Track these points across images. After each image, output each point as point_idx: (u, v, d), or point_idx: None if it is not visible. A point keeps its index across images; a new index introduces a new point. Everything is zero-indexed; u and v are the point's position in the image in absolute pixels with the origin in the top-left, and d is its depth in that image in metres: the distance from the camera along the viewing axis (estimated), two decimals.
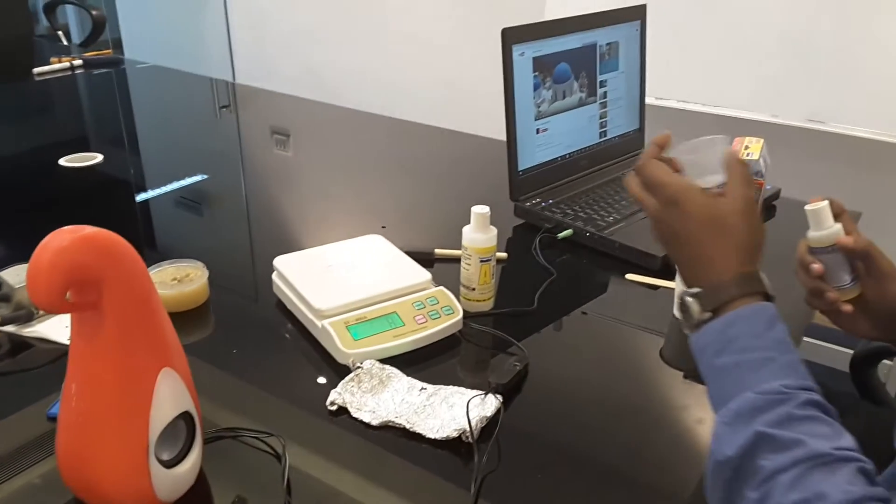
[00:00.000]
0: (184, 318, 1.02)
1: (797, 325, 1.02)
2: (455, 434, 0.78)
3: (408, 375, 0.88)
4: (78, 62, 2.26)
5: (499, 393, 0.84)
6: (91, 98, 2.27)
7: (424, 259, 1.15)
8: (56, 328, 0.97)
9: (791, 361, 0.64)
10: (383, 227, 1.29)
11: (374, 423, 0.82)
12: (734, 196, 0.70)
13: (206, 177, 1.57)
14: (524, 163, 1.31)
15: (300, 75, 3.26)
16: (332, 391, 0.85)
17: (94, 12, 2.52)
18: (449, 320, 0.97)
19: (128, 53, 3.59)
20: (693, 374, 0.93)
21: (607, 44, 1.41)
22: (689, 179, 0.73)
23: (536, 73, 1.28)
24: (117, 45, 3.68)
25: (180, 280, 1.04)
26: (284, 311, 1.03)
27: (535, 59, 1.27)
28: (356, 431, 0.82)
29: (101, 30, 2.60)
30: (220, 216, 1.46)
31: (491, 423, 0.81)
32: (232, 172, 1.66)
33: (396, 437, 0.81)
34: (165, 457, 0.69)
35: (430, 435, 0.79)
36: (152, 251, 1.26)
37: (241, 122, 2.03)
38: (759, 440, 0.59)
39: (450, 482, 0.76)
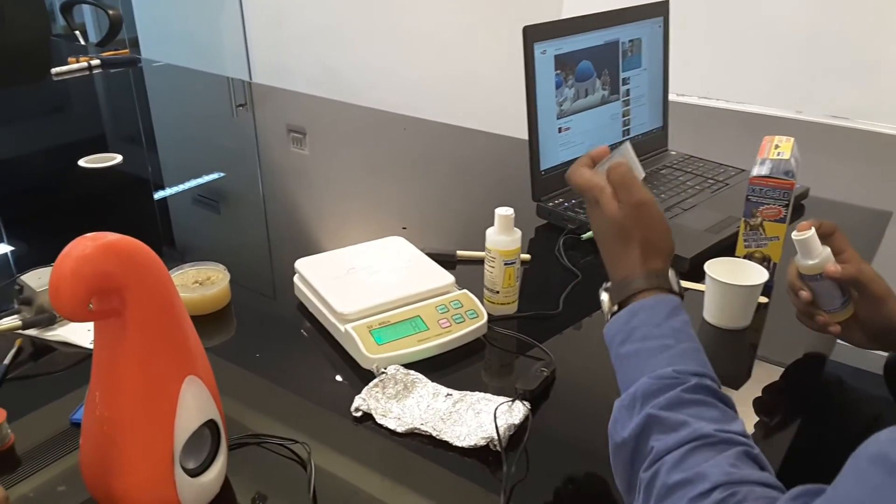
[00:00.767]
0: (206, 322, 1.01)
1: None
2: (483, 442, 0.77)
3: (432, 381, 0.87)
4: (95, 62, 2.26)
5: (526, 399, 0.83)
6: (109, 98, 2.27)
7: (446, 261, 1.14)
8: (78, 332, 0.97)
9: (688, 349, 0.67)
10: (404, 227, 1.28)
11: (400, 430, 0.80)
12: (622, 202, 0.73)
13: (222, 175, 1.56)
14: (546, 162, 1.29)
15: (317, 73, 3.25)
16: (357, 397, 0.84)
17: (110, 12, 2.53)
18: (473, 324, 0.95)
19: (144, 53, 3.60)
20: (721, 378, 0.91)
21: (630, 41, 1.39)
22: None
23: (558, 72, 1.26)
24: (134, 44, 3.69)
25: (202, 283, 1.04)
26: (306, 314, 1.02)
27: (556, 56, 1.25)
28: (381, 438, 0.80)
29: (118, 29, 2.61)
30: (238, 216, 1.45)
31: (519, 431, 0.80)
32: (249, 171, 1.65)
33: (422, 445, 0.79)
34: (190, 465, 0.68)
35: (457, 443, 0.78)
36: (172, 252, 1.25)
37: (257, 120, 2.02)
38: (650, 422, 0.62)
39: (478, 492, 0.74)
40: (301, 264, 1.04)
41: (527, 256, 1.16)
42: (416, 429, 0.80)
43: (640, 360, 0.67)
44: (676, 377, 0.64)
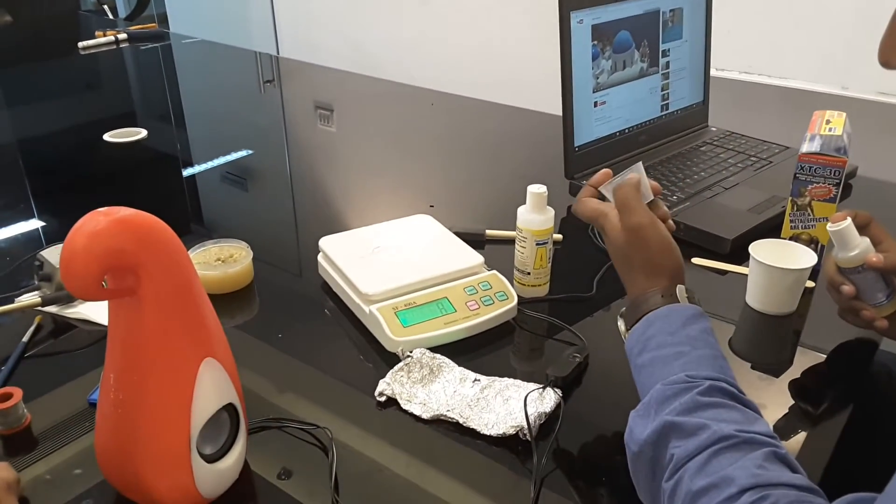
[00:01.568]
0: (227, 300, 0.99)
1: None
2: (512, 431, 0.73)
3: (460, 365, 0.84)
4: (122, 36, 2.24)
5: (558, 387, 0.79)
6: (135, 73, 2.25)
7: (475, 240, 1.10)
8: (99, 309, 0.95)
9: (704, 356, 0.64)
10: (431, 206, 1.24)
11: (425, 416, 0.77)
12: (623, 227, 0.73)
13: (250, 152, 1.54)
14: (581, 138, 1.24)
15: (344, 48, 3.20)
16: (381, 381, 0.81)
17: None
18: (503, 307, 0.91)
19: (173, 27, 3.57)
20: (762, 366, 0.87)
21: (671, 10, 1.32)
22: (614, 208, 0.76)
23: (595, 42, 1.21)
24: (163, 19, 3.67)
25: (224, 261, 1.01)
26: (330, 294, 0.99)
27: (593, 26, 1.20)
28: (406, 424, 0.77)
29: (146, 4, 2.59)
30: (264, 193, 1.42)
31: (550, 420, 0.76)
32: (276, 148, 1.62)
33: (448, 433, 0.76)
34: (208, 451, 0.66)
35: (485, 431, 0.74)
36: (196, 228, 1.23)
37: (284, 96, 1.99)
38: (667, 429, 0.59)
39: (507, 483, 0.71)
40: (325, 242, 1.00)
41: (559, 237, 1.12)
42: (442, 415, 0.77)
43: (655, 369, 0.65)
44: (690, 381, 0.62)
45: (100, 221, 0.57)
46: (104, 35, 2.22)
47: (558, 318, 0.94)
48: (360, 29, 3.14)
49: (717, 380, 0.62)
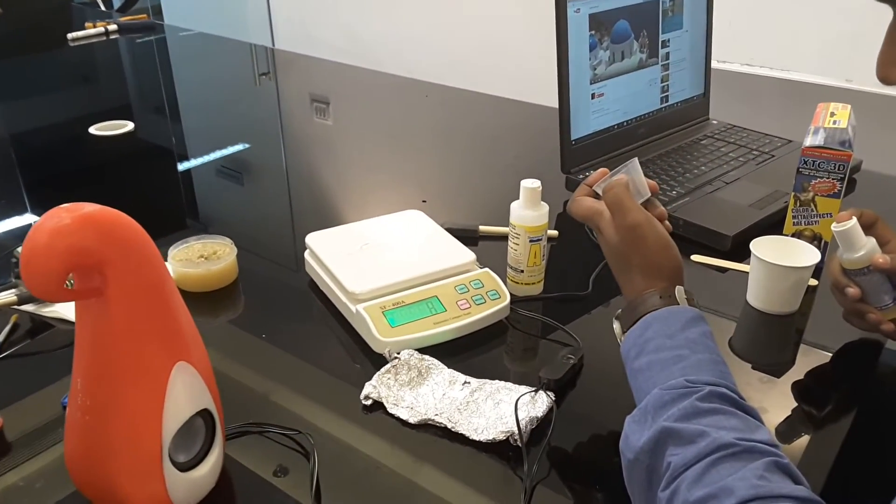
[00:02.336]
0: (211, 299, 0.96)
1: None
2: (502, 437, 0.70)
3: (449, 367, 0.80)
4: (112, 27, 2.20)
5: (551, 390, 0.76)
6: (126, 65, 2.21)
7: (468, 237, 1.07)
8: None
9: (703, 360, 0.62)
10: (424, 201, 1.21)
11: (413, 420, 0.74)
12: (617, 227, 0.70)
13: (247, 146, 1.50)
14: (578, 131, 1.20)
15: (340, 40, 3.16)
16: (367, 384, 0.78)
17: None
18: (495, 306, 0.88)
19: (168, 19, 3.53)
20: (763, 367, 0.84)
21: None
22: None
23: (593, 32, 1.17)
24: (157, 11, 3.62)
25: (207, 258, 0.98)
26: (317, 292, 0.96)
27: (591, 16, 1.16)
28: (392, 429, 0.74)
29: None
30: (256, 188, 1.39)
31: (542, 424, 0.73)
32: (272, 142, 1.58)
33: (436, 438, 0.73)
34: (182, 459, 0.62)
35: (474, 436, 0.71)
36: (184, 224, 1.20)
37: (280, 89, 1.96)
38: (664, 435, 0.56)
39: (496, 491, 0.68)
40: (312, 239, 0.97)
41: (554, 233, 1.09)
42: (429, 420, 0.74)
43: (653, 373, 0.62)
44: (689, 386, 0.59)
45: (62, 218, 0.53)
46: (94, 26, 2.18)
47: (553, 317, 0.91)
48: (356, 20, 3.10)
49: (718, 385, 0.59)
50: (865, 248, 0.79)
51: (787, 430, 0.75)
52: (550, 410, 0.74)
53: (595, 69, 1.20)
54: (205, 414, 0.64)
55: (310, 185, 1.37)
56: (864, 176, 1.28)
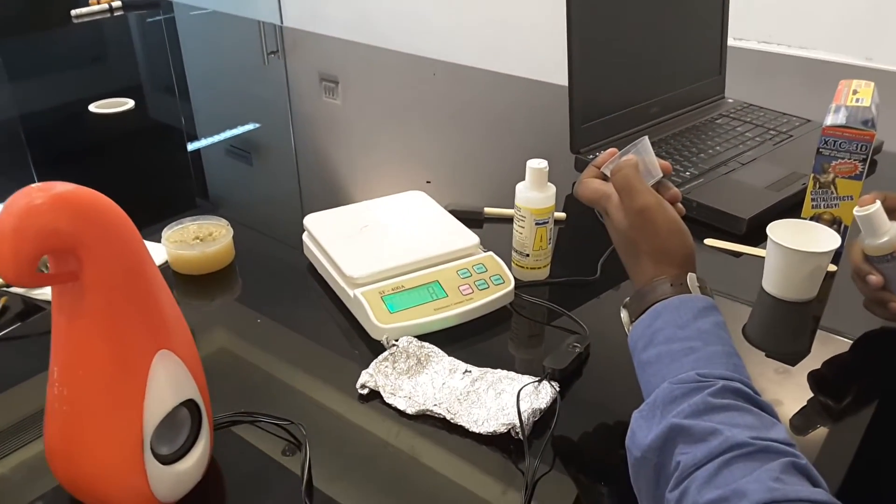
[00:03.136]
0: (206, 282, 0.93)
1: None
2: (503, 429, 0.67)
3: (450, 355, 0.77)
4: (117, 3, 2.17)
5: (555, 380, 0.73)
6: (131, 42, 2.18)
7: (472, 219, 1.03)
8: None
9: (716, 352, 0.58)
10: (428, 181, 1.17)
11: (410, 411, 0.71)
12: (626, 210, 0.67)
13: (257, 125, 1.47)
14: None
15: (350, 17, 3.11)
16: (364, 372, 0.75)
17: None
18: (498, 291, 0.84)
19: None
20: (778, 356, 0.80)
21: None
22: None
23: None
24: None
25: (202, 239, 0.95)
26: (315, 276, 0.93)
27: None
28: (389, 420, 0.71)
29: None
30: (263, 168, 1.35)
31: (546, 416, 0.69)
32: (280, 122, 1.54)
33: (435, 430, 0.70)
34: (165, 451, 0.60)
35: (474, 428, 0.68)
36: (186, 205, 1.16)
37: (289, 68, 1.92)
38: (674, 432, 0.53)
39: (496, 486, 0.64)
40: (310, 220, 0.94)
41: (562, 215, 1.05)
42: (428, 410, 0.70)
43: (662, 365, 0.59)
44: (701, 381, 0.55)
45: (34, 198, 0.50)
46: (98, 2, 2.15)
47: (559, 303, 0.87)
48: None
49: (731, 379, 0.55)
50: (889, 233, 0.75)
51: (802, 423, 0.72)
52: (554, 402, 0.70)
53: None
54: (190, 404, 0.61)
55: (316, 165, 1.33)
56: (885, 158, 1.23)
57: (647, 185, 0.67)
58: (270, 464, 0.67)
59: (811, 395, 0.75)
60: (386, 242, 0.89)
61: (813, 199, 0.92)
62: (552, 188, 0.87)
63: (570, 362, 0.74)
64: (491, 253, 0.89)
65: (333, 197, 1.17)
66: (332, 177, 1.28)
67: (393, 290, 0.82)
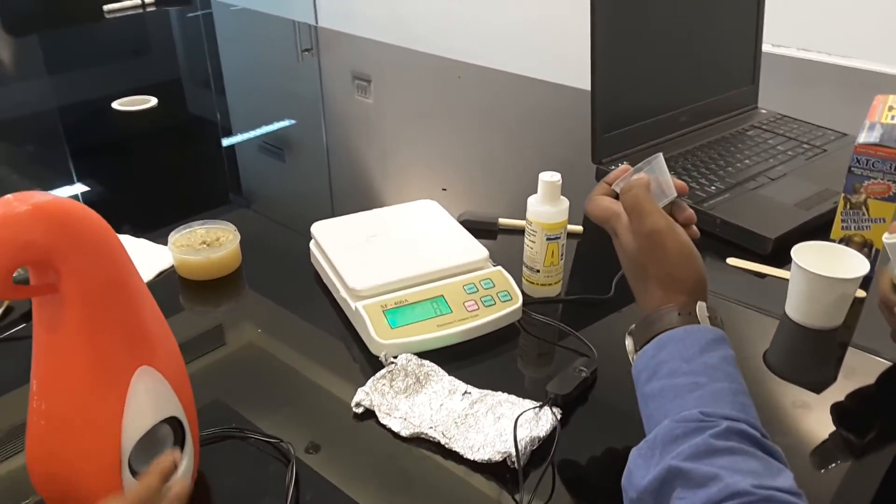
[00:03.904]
0: (213, 288, 0.92)
1: None
2: (498, 457, 0.64)
3: (451, 373, 0.74)
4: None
5: (557, 406, 0.69)
6: (166, 39, 2.19)
7: (486, 229, 1.00)
8: None
9: (722, 390, 0.55)
10: (444, 189, 1.14)
11: (404, 433, 0.68)
12: (635, 233, 0.63)
13: (293, 122, 1.47)
14: None
15: (384, 18, 3.10)
16: (360, 389, 0.72)
17: None
18: (505, 308, 0.81)
19: None
20: (799, 386, 0.76)
21: None
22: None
23: None
24: None
25: (209, 244, 0.93)
26: (321, 286, 0.91)
27: None
28: (381, 442, 0.68)
29: None
30: (295, 167, 1.34)
31: (545, 444, 0.66)
32: (313, 120, 1.54)
33: (428, 454, 0.67)
34: (144, 469, 0.58)
35: (469, 455, 0.65)
36: (197, 205, 1.15)
37: (322, 66, 1.91)
38: (672, 475, 0.50)
39: None
40: (317, 228, 0.92)
41: (578, 229, 1.01)
42: (422, 433, 0.68)
43: (666, 400, 0.56)
44: (704, 420, 0.52)
45: (8, 208, 0.49)
46: None
47: (569, 322, 0.84)
48: None
49: (737, 420, 0.52)
50: None
51: (823, 458, 0.68)
52: (554, 430, 0.67)
53: None
54: (172, 422, 0.59)
55: (345, 163, 1.32)
56: None
57: (657, 206, 0.63)
58: (258, 482, 0.65)
59: (833, 428, 0.71)
60: (392, 253, 0.87)
61: (843, 221, 0.88)
62: (565, 202, 0.84)
63: (574, 388, 0.71)
64: (500, 268, 0.86)
65: (351, 200, 1.16)
66: (352, 180, 1.26)
67: (396, 304, 0.79)
